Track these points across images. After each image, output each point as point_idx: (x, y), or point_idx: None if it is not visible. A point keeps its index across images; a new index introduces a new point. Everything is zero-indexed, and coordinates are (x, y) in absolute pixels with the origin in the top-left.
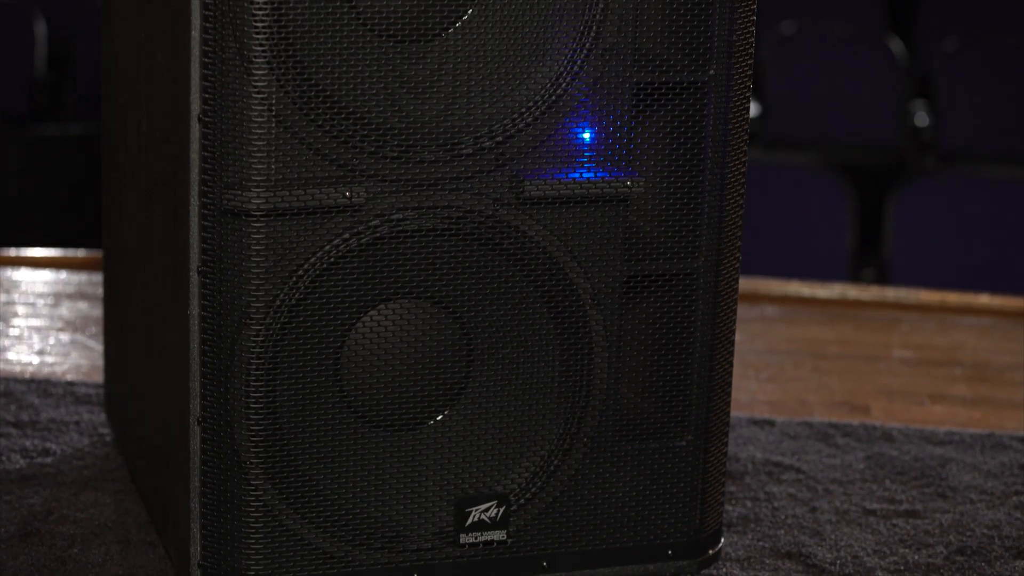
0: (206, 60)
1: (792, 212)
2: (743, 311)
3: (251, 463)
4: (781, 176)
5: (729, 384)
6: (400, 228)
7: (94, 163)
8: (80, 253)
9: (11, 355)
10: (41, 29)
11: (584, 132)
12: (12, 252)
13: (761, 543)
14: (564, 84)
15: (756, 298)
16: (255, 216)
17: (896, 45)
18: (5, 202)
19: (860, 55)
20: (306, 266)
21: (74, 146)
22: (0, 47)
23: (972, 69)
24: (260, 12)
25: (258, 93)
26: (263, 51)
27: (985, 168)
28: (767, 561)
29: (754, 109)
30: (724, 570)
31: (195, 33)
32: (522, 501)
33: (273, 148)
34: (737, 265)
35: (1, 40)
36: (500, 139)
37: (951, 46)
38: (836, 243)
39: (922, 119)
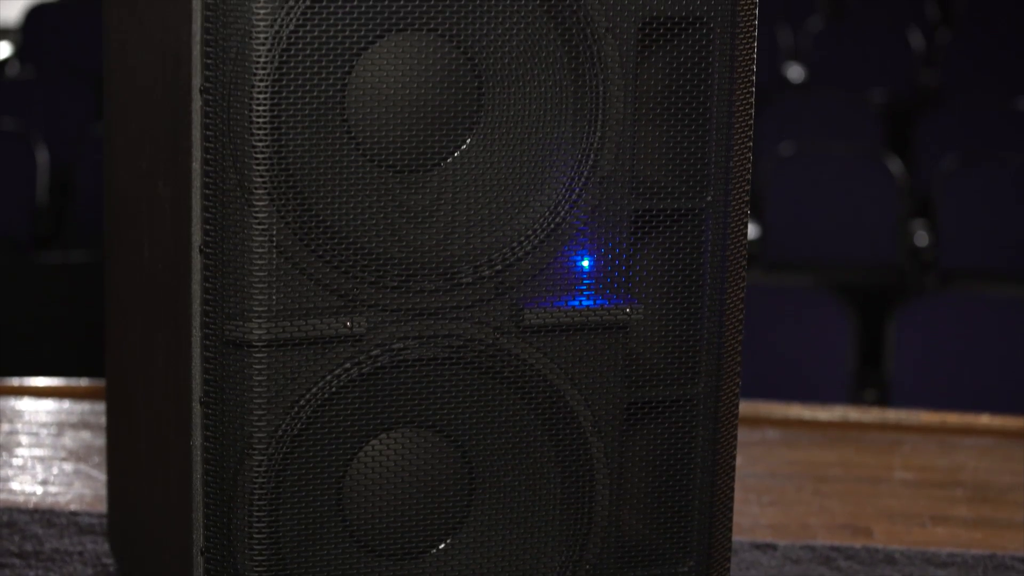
0: (207, 192)
1: (792, 334)
2: (744, 435)
3: None
4: (781, 298)
5: (730, 509)
6: (401, 357)
7: (96, 291)
8: (83, 382)
9: (14, 485)
10: (43, 156)
11: (583, 260)
12: (15, 382)
13: None
14: (563, 212)
15: (757, 421)
16: (257, 347)
17: (895, 165)
18: (7, 331)
19: (859, 175)
20: (308, 396)
21: (76, 274)
22: (2, 174)
23: (971, 188)
24: (260, 144)
25: (259, 224)
26: (263, 182)
27: (985, 287)
28: None
29: (754, 231)
30: None
31: (196, 165)
32: None
33: (274, 279)
34: (737, 390)
35: (3, 167)
36: (500, 267)
37: (950, 165)
38: (837, 364)
39: (922, 239)
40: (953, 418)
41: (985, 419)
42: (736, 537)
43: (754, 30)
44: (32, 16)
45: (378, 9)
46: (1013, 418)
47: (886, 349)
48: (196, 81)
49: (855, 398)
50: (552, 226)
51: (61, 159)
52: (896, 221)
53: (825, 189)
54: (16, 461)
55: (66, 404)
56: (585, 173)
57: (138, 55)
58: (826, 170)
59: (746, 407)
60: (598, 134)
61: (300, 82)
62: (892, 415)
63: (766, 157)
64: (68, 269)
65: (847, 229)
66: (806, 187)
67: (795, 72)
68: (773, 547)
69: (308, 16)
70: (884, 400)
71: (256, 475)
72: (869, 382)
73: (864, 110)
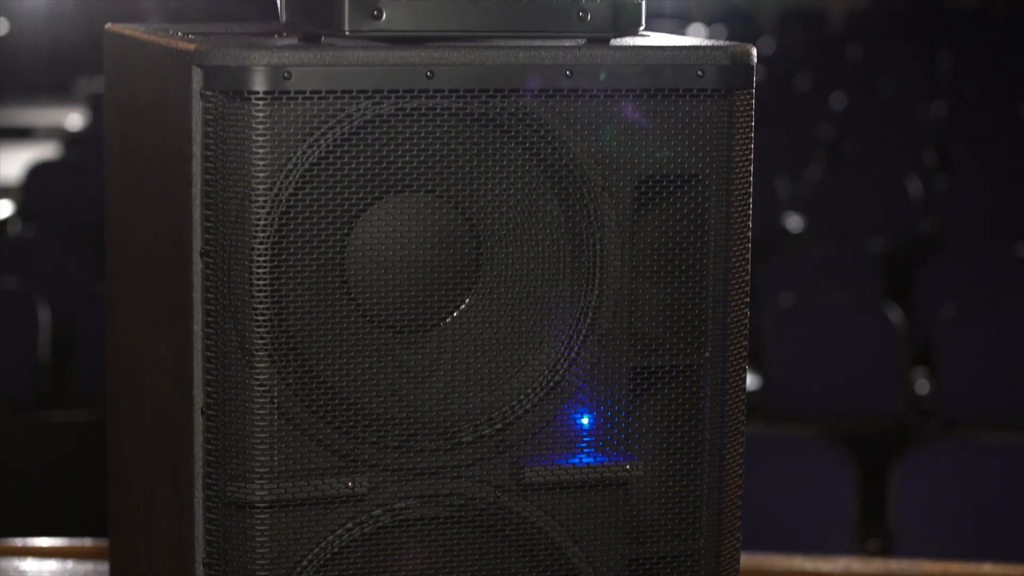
0: (208, 353)
1: (794, 484)
2: None
3: None
4: (782, 448)
5: None
6: (403, 517)
7: (99, 450)
8: (87, 542)
9: None
10: (45, 314)
11: (582, 417)
12: (18, 542)
13: None
14: (562, 370)
15: (759, 574)
16: (259, 508)
17: (895, 314)
18: (9, 490)
19: (859, 325)
20: (310, 556)
21: (78, 433)
22: (3, 333)
23: (971, 335)
24: (261, 306)
25: (260, 386)
26: (264, 344)
27: (988, 434)
28: None
29: (755, 382)
30: None
31: (197, 327)
32: None
33: (276, 440)
34: (737, 544)
35: (4, 326)
36: (500, 426)
37: (949, 313)
38: (840, 514)
39: (923, 387)
40: (955, 567)
41: (988, 568)
42: None
43: (749, 185)
44: (33, 174)
45: (376, 171)
46: (1016, 566)
47: (889, 498)
48: (196, 244)
49: (858, 548)
50: (551, 384)
51: (63, 318)
52: (897, 370)
53: (825, 339)
54: None
55: (70, 564)
56: (583, 331)
57: (139, 216)
58: (826, 320)
59: (748, 559)
60: (596, 292)
61: (300, 244)
62: (895, 565)
63: (766, 308)
64: (70, 428)
65: (848, 378)
66: (806, 337)
67: (794, 222)
68: None
69: (307, 179)
70: (888, 550)
71: None
72: (872, 532)
73: (863, 259)
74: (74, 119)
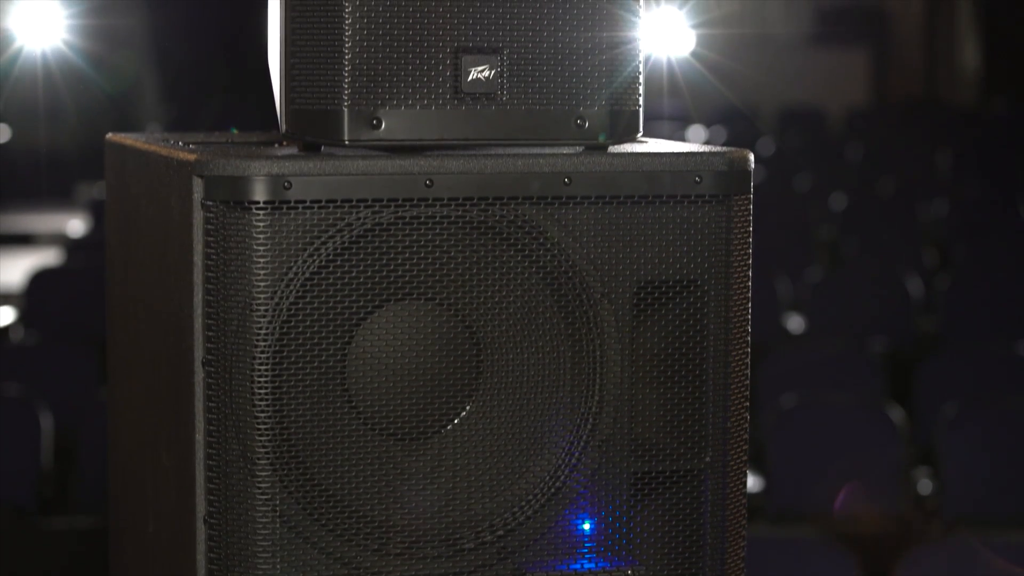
0: (210, 462)
1: None
2: None
3: None
4: (785, 550)
5: None
6: None
7: (101, 558)
8: None
9: None
10: (47, 421)
11: (584, 523)
12: None
13: None
14: (563, 476)
15: None
16: None
17: (896, 414)
18: None
19: (861, 425)
20: None
21: (81, 540)
22: (6, 439)
23: (973, 434)
24: (263, 415)
25: (262, 494)
26: (266, 452)
27: (991, 533)
28: None
29: (756, 483)
30: None
31: (199, 436)
32: None
33: (278, 548)
34: None
35: (7, 432)
36: (501, 532)
37: (951, 412)
38: None
39: (925, 486)
40: None
41: None
42: None
43: (748, 290)
44: (35, 281)
45: (376, 280)
46: None
47: None
48: (198, 353)
49: None
50: (552, 490)
51: (65, 424)
52: (899, 470)
53: (827, 440)
54: None
55: None
56: (584, 437)
57: (141, 323)
58: (828, 421)
59: None
60: (596, 398)
61: (301, 353)
62: None
63: (767, 409)
64: (72, 535)
65: (850, 479)
66: (808, 438)
67: (795, 323)
68: None
69: (308, 288)
70: None
71: None
72: None
73: (864, 359)
74: (75, 225)
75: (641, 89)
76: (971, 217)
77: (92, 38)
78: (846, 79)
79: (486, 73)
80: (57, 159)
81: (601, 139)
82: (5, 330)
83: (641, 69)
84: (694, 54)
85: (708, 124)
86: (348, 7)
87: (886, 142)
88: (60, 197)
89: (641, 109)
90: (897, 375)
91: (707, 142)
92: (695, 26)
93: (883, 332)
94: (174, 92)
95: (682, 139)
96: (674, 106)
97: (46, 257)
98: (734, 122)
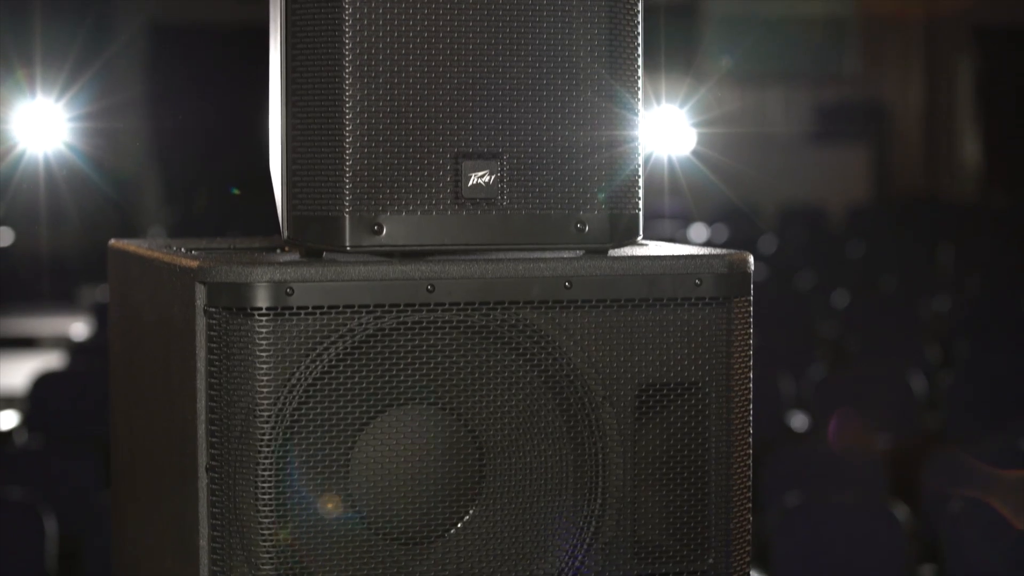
0: (215, 568)
1: None
2: None
3: None
4: None
5: None
6: None
7: None
8: None
9: None
10: (51, 525)
11: None
12: None
13: None
14: None
15: None
16: None
17: (901, 511)
18: None
19: (866, 523)
20: None
21: None
22: (10, 544)
23: (978, 530)
24: (266, 520)
25: None
26: (270, 558)
27: None
28: None
29: None
30: None
31: (203, 542)
32: None
33: None
34: None
35: (11, 537)
36: None
37: (956, 508)
38: None
39: None
40: None
41: None
42: None
43: (749, 391)
44: (39, 384)
45: (379, 385)
46: None
47: None
48: (202, 459)
49: None
50: None
51: (70, 528)
52: (904, 567)
53: (832, 538)
54: None
55: None
56: (587, 540)
57: (145, 427)
58: (832, 519)
59: None
60: (599, 501)
61: (304, 458)
62: None
63: (772, 507)
64: None
65: None
66: (813, 536)
67: (798, 421)
68: None
69: (311, 393)
70: None
71: None
72: None
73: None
74: (78, 328)
75: (640, 192)
76: (973, 312)
77: (94, 141)
78: (846, 176)
79: (486, 178)
80: (60, 262)
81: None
82: (9, 433)
83: (641, 172)
84: (695, 153)
85: (710, 222)
86: (349, 114)
87: (887, 238)
88: (63, 300)
89: (641, 212)
90: (901, 472)
91: (709, 240)
92: (696, 125)
93: (887, 429)
94: (176, 195)
95: (684, 237)
96: (675, 205)
97: (49, 360)
98: (736, 220)
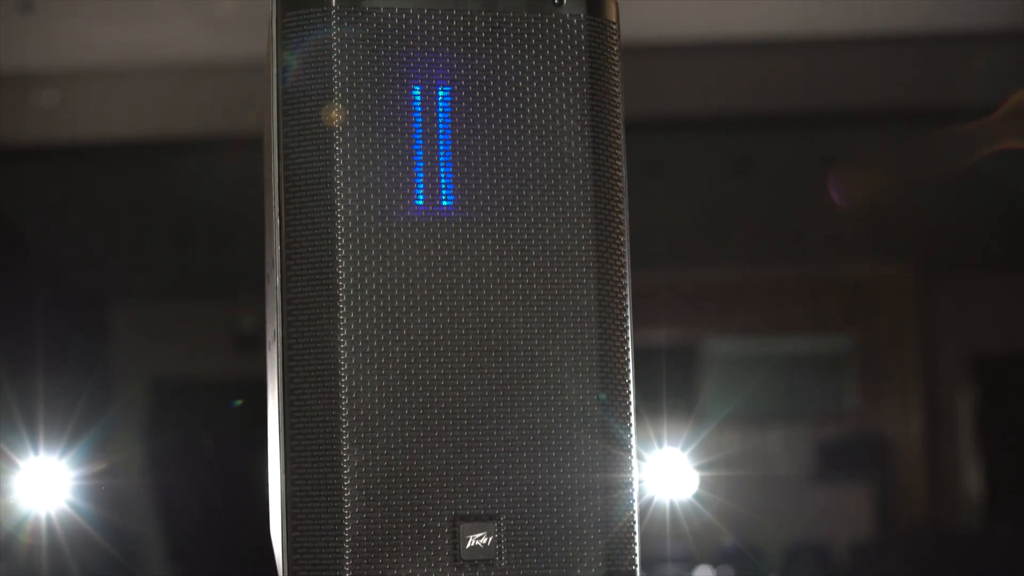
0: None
1: None
2: None
3: None
4: None
5: None
6: None
7: None
8: None
9: None
10: None
11: None
12: None
13: None
14: None
15: None
16: None
17: None
18: None
19: None
20: None
21: None
22: None
23: None
24: None
25: None
26: None
27: None
28: None
29: None
30: None
31: None
32: None
33: None
34: None
35: None
36: None
37: None
38: None
39: None
40: None
41: None
42: None
43: None
44: None
45: None
46: None
47: None
48: None
49: None
50: None
51: None
52: None
53: None
54: None
55: None
56: None
57: None
58: None
59: None
60: None
61: None
62: None
63: None
64: None
65: None
66: None
67: None
68: None
69: None
70: None
71: None
72: None
73: None
74: None
75: (637, 548)
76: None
77: (98, 500)
78: (849, 512)
79: (484, 540)
80: None
81: None
82: None
83: (637, 525)
84: (696, 496)
85: (715, 564)
86: (348, 480)
87: (892, 574)
88: None
89: (638, 568)
90: None
91: None
92: (698, 468)
93: None
94: (179, 551)
95: None
96: (678, 547)
97: None
98: (740, 562)
